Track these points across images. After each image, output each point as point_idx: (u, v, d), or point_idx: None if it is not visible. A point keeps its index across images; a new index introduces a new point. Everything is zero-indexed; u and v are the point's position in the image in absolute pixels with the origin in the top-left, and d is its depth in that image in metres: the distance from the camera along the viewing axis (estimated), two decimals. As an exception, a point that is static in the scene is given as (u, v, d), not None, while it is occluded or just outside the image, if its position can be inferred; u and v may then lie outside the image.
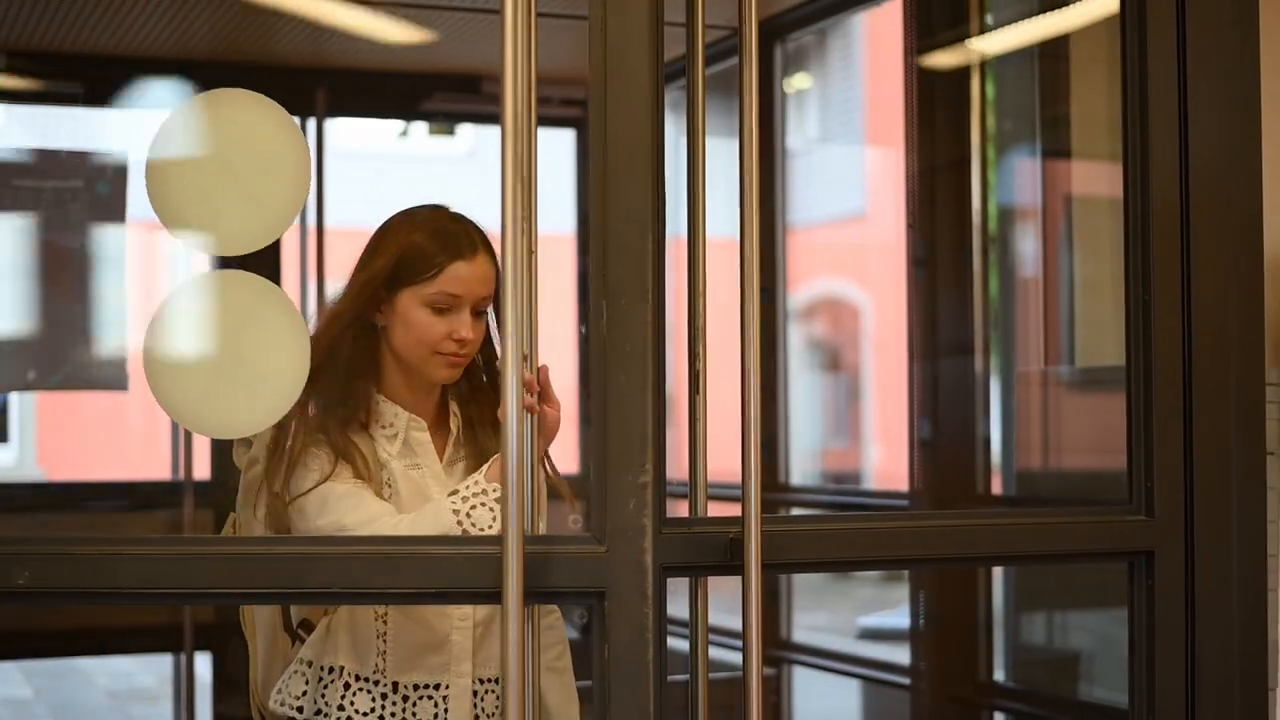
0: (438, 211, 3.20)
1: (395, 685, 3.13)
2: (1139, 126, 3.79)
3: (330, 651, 3.13)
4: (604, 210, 2.71)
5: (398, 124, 18.55)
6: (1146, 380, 3.70)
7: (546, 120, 7.17)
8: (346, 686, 3.11)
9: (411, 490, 3.14)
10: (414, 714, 3.13)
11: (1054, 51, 5.53)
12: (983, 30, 5.84)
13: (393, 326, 3.13)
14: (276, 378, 2.69)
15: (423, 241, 3.10)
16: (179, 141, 2.72)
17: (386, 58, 6.56)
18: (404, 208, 3.22)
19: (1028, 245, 5.87)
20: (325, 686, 3.12)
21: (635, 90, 2.82)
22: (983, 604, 5.65)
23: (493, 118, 8.37)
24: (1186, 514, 3.67)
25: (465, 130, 20.56)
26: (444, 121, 12.77)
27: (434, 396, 3.23)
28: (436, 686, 3.14)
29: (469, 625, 3.16)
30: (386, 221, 3.17)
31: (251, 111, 2.75)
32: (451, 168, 20.17)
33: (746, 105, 2.94)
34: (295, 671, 3.16)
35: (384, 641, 3.11)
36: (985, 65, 5.72)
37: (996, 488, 5.66)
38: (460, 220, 3.18)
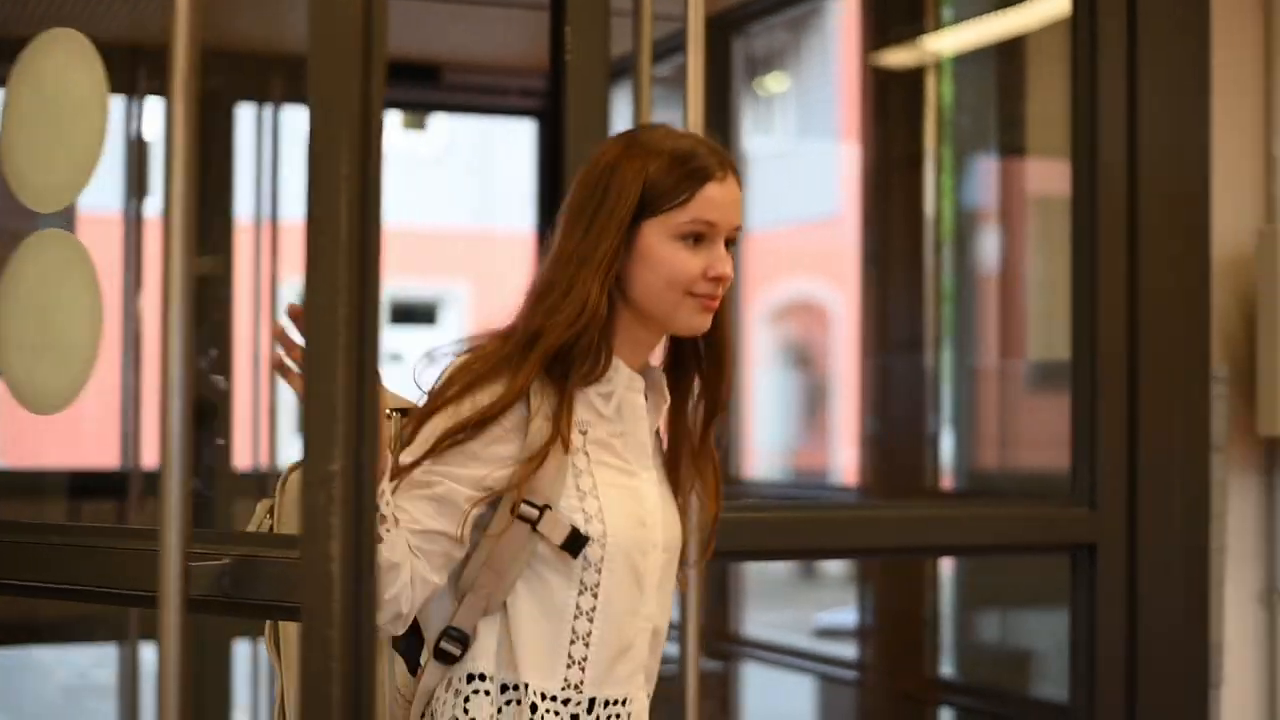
0: (664, 131, 2.64)
1: (591, 703, 2.57)
2: (1088, 126, 3.81)
3: (508, 665, 2.55)
4: (313, 145, 2.30)
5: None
6: (1091, 375, 3.72)
7: (505, 110, 7.17)
8: (534, 709, 2.53)
9: (610, 465, 2.61)
10: None
11: (1011, 50, 5.54)
12: (940, 29, 5.85)
13: (630, 268, 2.57)
14: (79, 347, 2.37)
15: (665, 167, 2.55)
16: (13, 94, 2.47)
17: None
18: (613, 135, 2.69)
19: (985, 242, 5.88)
20: (499, 709, 2.55)
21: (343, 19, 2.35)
22: (934, 601, 5.67)
23: (450, 107, 8.38)
24: (1130, 508, 3.68)
25: (439, 129, 20.57)
26: (398, 110, 12.57)
27: (645, 354, 2.69)
28: (623, 701, 2.61)
29: (649, 627, 2.64)
30: (603, 156, 2.61)
31: (68, 54, 2.44)
32: (422, 166, 20.17)
33: (692, 100, 2.93)
34: (476, 690, 2.55)
35: (585, 646, 2.55)
36: (941, 64, 5.73)
37: (951, 484, 5.68)
38: (699, 138, 2.64)
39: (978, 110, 5.81)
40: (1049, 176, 5.59)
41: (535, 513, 2.49)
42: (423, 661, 2.60)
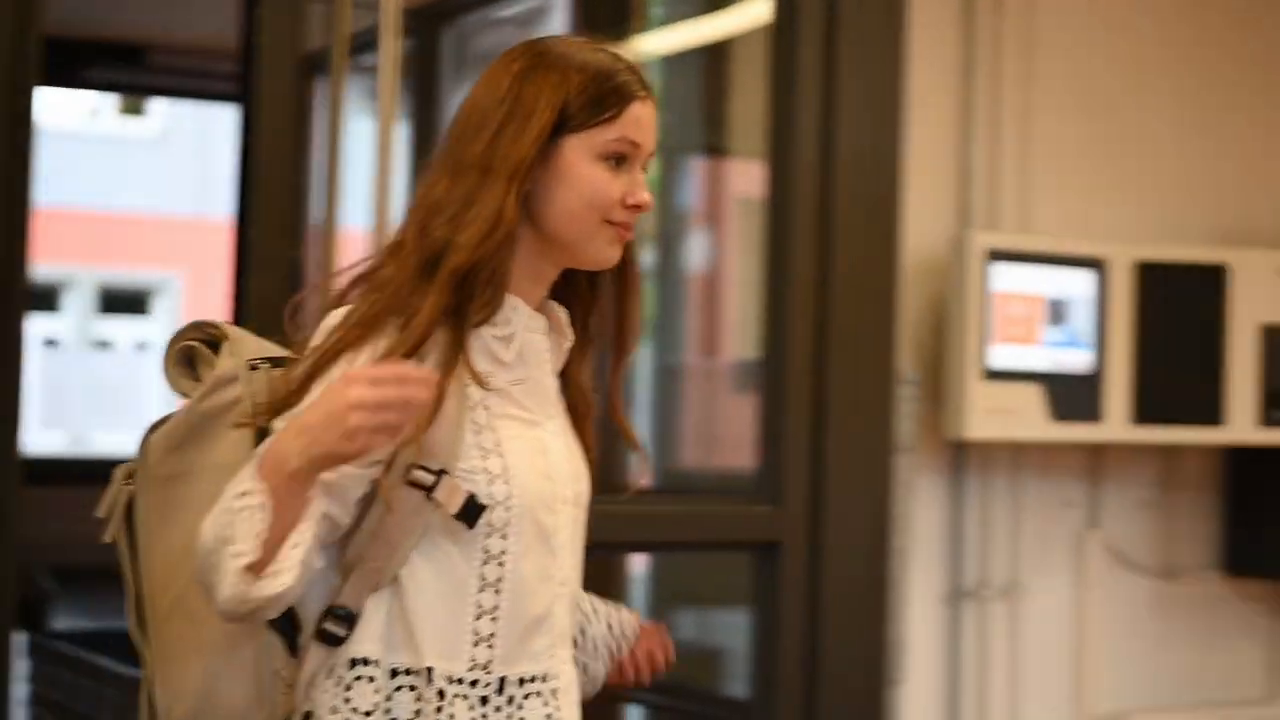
0: (577, 44, 2.38)
1: (502, 683, 2.27)
2: (784, 129, 3.85)
3: (404, 647, 2.24)
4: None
5: (78, 99, 18.19)
6: (780, 374, 3.75)
7: (211, 95, 7.04)
8: (441, 695, 2.23)
9: (512, 417, 2.30)
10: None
11: (718, 53, 5.58)
12: (648, 30, 5.89)
13: (543, 189, 2.30)
14: None
15: (589, 80, 2.31)
16: None
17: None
18: (523, 41, 2.39)
19: (690, 242, 5.92)
20: (388, 696, 2.24)
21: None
22: (625, 599, 5.68)
23: (156, 90, 8.24)
24: (814, 507, 3.72)
25: (156, 114, 20.20)
26: (100, 91, 12.28)
27: (542, 290, 2.39)
28: (544, 678, 2.31)
29: (565, 592, 2.35)
30: (510, 65, 2.33)
31: None
32: (138, 151, 19.80)
33: (384, 89, 2.90)
34: (359, 677, 2.24)
35: (493, 621, 2.26)
36: (648, 64, 5.76)
37: (647, 482, 5.70)
38: (615, 53, 2.38)
39: (684, 111, 5.85)
40: (754, 178, 5.66)
41: (431, 478, 2.19)
42: (302, 643, 2.29)
